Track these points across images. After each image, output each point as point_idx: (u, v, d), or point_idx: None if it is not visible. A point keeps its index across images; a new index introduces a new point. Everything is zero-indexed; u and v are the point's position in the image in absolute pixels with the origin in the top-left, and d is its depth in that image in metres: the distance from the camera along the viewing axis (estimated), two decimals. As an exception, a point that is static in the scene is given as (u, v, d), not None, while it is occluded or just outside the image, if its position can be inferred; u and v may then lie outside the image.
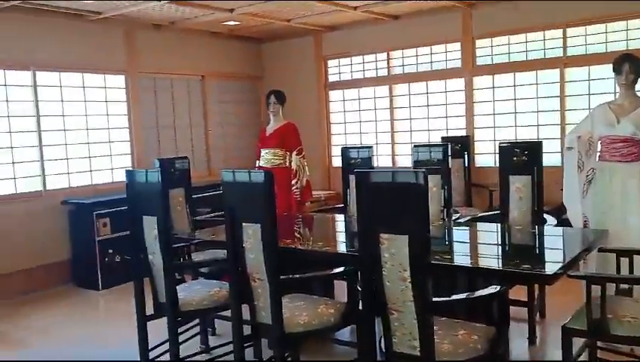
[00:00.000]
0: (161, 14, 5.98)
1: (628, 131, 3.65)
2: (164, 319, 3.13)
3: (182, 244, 3.80)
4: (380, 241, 2.23)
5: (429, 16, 6.38)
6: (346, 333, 3.53)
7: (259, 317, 2.76)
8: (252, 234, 2.64)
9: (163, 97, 6.76)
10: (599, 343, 3.05)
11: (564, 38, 5.72)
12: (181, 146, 6.87)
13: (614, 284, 2.96)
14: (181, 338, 3.36)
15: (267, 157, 5.19)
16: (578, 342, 2.93)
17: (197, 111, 7.15)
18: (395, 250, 2.21)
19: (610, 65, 3.80)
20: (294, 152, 5.13)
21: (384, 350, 2.36)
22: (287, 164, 5.14)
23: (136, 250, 3.24)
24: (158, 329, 3.28)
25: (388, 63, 6.98)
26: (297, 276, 2.93)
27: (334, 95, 7.53)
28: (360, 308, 2.93)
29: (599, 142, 3.85)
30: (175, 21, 6.34)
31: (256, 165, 5.34)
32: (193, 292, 3.28)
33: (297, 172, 5.13)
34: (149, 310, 3.21)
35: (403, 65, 6.89)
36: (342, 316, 2.85)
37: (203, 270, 3.84)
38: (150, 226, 3.10)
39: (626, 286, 2.98)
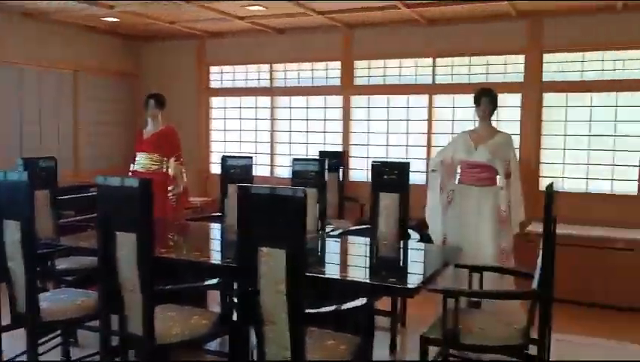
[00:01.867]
0: (35, 3, 5.59)
1: (484, 158, 4.06)
2: (23, 330, 2.94)
3: (46, 251, 3.58)
4: (260, 254, 2.29)
5: (313, 34, 6.59)
6: (215, 344, 3.54)
7: (129, 327, 2.69)
8: (126, 244, 2.58)
9: (29, 90, 6.30)
10: (451, 351, 3.35)
11: (434, 67, 6.19)
12: (46, 144, 6.42)
13: (467, 298, 3.27)
14: (40, 349, 3.16)
15: (143, 161, 5.04)
16: (434, 350, 3.20)
17: (67, 107, 6.74)
18: (273, 263, 2.28)
19: (472, 96, 4.20)
20: (172, 158, 5.04)
21: (256, 360, 2.42)
22: (165, 169, 5.03)
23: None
24: (16, 341, 3.06)
25: (270, 75, 7.08)
26: (171, 287, 2.90)
27: (215, 102, 7.48)
28: (234, 318, 2.98)
29: (459, 166, 4.23)
30: (49, 11, 5.96)
31: (130, 169, 5.17)
32: (57, 301, 3.11)
33: (175, 178, 5.04)
34: (5, 320, 3.00)
35: (285, 79, 7.02)
36: (214, 326, 2.87)
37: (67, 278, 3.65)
38: (12, 231, 2.90)
39: (476, 299, 3.29)
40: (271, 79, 7.08)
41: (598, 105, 5.53)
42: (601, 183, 5.55)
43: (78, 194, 5.56)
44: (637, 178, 5.41)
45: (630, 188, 5.44)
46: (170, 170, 5.04)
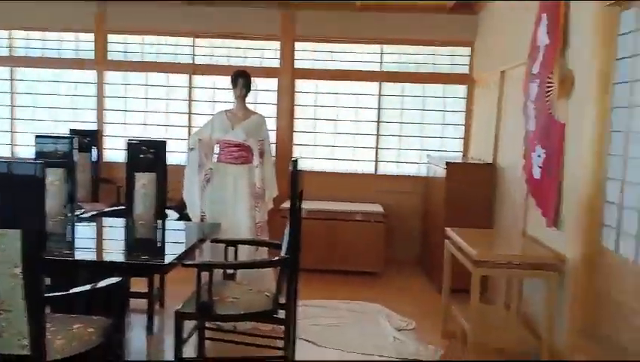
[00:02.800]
0: None
1: (240, 137, 4.21)
2: None
3: None
4: (-12, 236, 2.06)
5: (60, 1, 6.01)
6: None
7: None
8: None
9: None
10: (208, 324, 3.44)
11: (194, 47, 6.17)
12: None
13: (222, 271, 3.37)
14: None
15: None
16: (191, 326, 3.25)
17: None
18: (4, 245, 2.07)
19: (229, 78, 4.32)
20: None
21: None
22: None
23: None
24: None
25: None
26: None
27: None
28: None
29: (217, 145, 4.32)
30: None
31: None
32: None
33: None
34: None
35: (10, 48, 6.30)
36: None
37: None
38: None
39: (231, 271, 3.42)
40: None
41: (343, 92, 6.13)
42: (345, 163, 6.18)
43: None
44: (374, 159, 6.16)
45: (368, 168, 6.17)
46: None
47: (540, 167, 3.56)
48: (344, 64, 6.11)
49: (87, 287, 2.47)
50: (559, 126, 3.32)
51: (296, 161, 3.05)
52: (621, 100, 2.88)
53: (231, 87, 4.30)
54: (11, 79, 6.33)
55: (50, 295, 2.21)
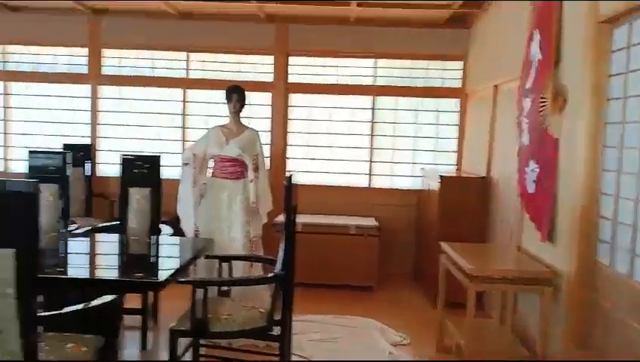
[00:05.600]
0: None
1: (234, 152, 4.21)
2: None
3: None
4: (-20, 256, 2.04)
5: (53, 15, 6.02)
6: None
7: None
8: None
9: None
10: (202, 341, 3.41)
11: (187, 61, 6.18)
12: None
13: (217, 287, 3.35)
14: None
15: None
16: (185, 342, 3.22)
17: None
18: (-2, 264, 2.05)
19: (224, 92, 4.32)
20: None
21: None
22: None
23: None
24: None
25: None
26: None
27: None
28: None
29: (212, 160, 4.31)
30: None
31: None
32: None
33: None
34: None
35: (17, 62, 6.30)
36: None
37: None
38: None
39: (226, 288, 3.41)
40: (5, 63, 6.28)
41: (337, 106, 6.15)
42: (338, 177, 6.19)
43: None
44: (367, 172, 6.17)
45: (362, 182, 6.18)
46: None
47: (534, 182, 3.57)
48: (338, 78, 6.14)
49: (81, 306, 2.45)
50: (553, 140, 3.34)
51: (290, 176, 3.05)
52: (615, 116, 2.90)
53: (225, 101, 4.31)
54: (4, 93, 6.30)
55: (43, 314, 2.18)
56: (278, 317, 3.06)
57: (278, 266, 3.10)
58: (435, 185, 5.12)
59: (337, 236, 5.48)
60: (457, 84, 6.07)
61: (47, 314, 2.26)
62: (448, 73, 6.11)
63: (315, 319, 4.49)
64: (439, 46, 5.96)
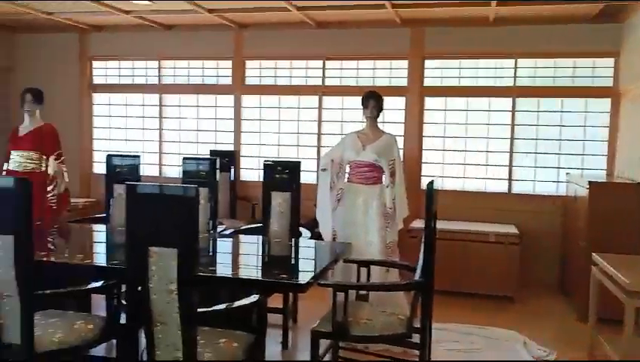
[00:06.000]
0: None
1: (371, 158, 4.24)
2: None
3: None
4: (149, 254, 2.25)
5: (203, 31, 6.50)
6: (101, 349, 3.41)
7: (5, 337, 2.52)
8: (1, 247, 2.42)
9: None
10: (341, 343, 3.47)
11: (324, 69, 6.35)
12: None
13: (355, 291, 3.40)
14: None
15: (19, 160, 4.72)
16: (325, 343, 3.30)
17: None
18: (163, 263, 2.25)
19: (360, 98, 4.37)
20: (52, 157, 4.76)
21: (146, 362, 2.37)
22: (43, 168, 4.74)
23: None
24: None
25: (159, 72, 6.88)
26: (52, 291, 2.76)
27: (99, 98, 7.14)
28: (121, 321, 2.89)
29: (348, 165, 4.38)
30: None
31: (4, 168, 4.82)
32: None
33: (55, 178, 4.76)
34: None
35: (174, 76, 6.87)
36: (101, 331, 2.77)
37: None
38: None
39: (364, 292, 3.44)
40: (159, 76, 6.89)
41: (474, 109, 5.97)
42: (476, 182, 5.99)
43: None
44: (507, 177, 5.91)
45: (501, 187, 5.93)
46: (49, 169, 4.76)
47: None
48: (474, 80, 5.96)
49: (236, 304, 2.60)
50: None
51: (432, 182, 3.01)
52: None
53: (361, 107, 4.36)
54: (160, 105, 6.91)
55: (201, 310, 2.35)
56: (416, 324, 3.03)
57: (418, 273, 3.07)
58: (583, 191, 4.78)
59: (475, 243, 5.30)
60: (608, 82, 5.61)
61: (205, 310, 2.43)
62: (598, 71, 5.67)
63: (453, 328, 4.38)
64: (588, 43, 5.56)
